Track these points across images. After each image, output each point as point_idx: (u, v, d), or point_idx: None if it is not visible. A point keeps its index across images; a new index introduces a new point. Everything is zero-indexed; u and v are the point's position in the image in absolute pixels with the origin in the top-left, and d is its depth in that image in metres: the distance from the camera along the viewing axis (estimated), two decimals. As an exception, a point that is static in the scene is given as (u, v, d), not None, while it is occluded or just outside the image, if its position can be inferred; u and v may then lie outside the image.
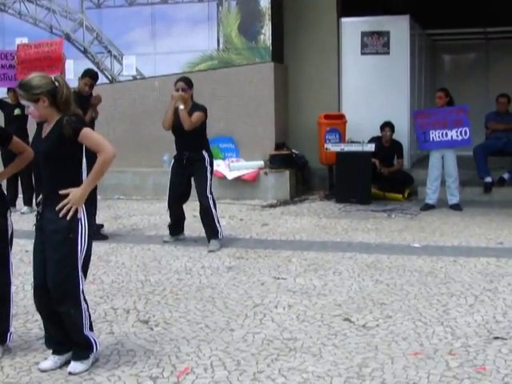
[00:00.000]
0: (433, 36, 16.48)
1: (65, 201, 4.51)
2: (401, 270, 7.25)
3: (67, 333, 4.80)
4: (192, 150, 8.45)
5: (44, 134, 4.64)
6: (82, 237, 4.61)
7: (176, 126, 8.47)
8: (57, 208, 4.51)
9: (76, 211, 4.54)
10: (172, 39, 13.86)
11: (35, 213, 4.75)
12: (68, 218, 4.51)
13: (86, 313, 4.72)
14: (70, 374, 4.65)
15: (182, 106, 8.27)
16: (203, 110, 8.44)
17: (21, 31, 14.44)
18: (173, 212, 8.81)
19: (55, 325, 4.76)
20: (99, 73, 14.45)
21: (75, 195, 4.52)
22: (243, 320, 5.71)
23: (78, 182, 4.62)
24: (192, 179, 8.64)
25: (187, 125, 8.27)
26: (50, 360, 4.79)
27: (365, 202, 11.37)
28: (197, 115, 8.34)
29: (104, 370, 4.72)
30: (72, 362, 4.73)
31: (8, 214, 5.00)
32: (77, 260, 4.60)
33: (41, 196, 4.70)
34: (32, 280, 4.82)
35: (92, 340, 4.76)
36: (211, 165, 8.53)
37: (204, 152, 8.48)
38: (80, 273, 4.65)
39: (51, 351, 4.86)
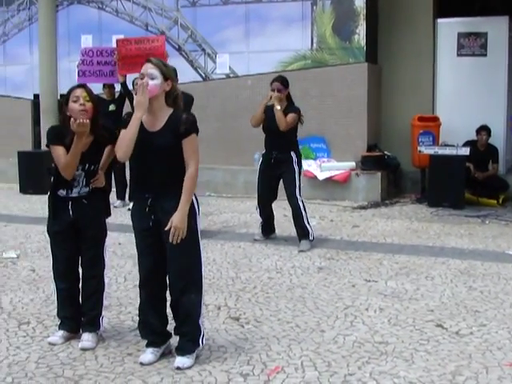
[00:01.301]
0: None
1: (172, 231, 4.55)
2: (495, 277, 7.08)
3: (166, 323, 4.92)
4: (280, 151, 8.45)
5: (151, 128, 4.66)
6: (199, 224, 4.76)
7: (267, 125, 8.48)
8: (170, 240, 4.56)
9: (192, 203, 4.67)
10: (265, 38, 13.89)
11: (146, 208, 4.72)
12: (180, 239, 4.58)
13: (203, 304, 4.83)
14: (178, 369, 4.65)
15: (278, 107, 8.26)
16: (297, 111, 8.42)
17: (117, 29, 14.70)
18: (263, 211, 8.81)
19: (160, 314, 4.85)
20: (193, 71, 14.66)
21: (177, 221, 4.56)
22: (334, 321, 5.67)
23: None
24: (280, 180, 8.63)
25: (283, 126, 8.27)
26: (150, 353, 4.82)
27: (458, 206, 11.17)
28: (291, 117, 8.32)
29: (195, 365, 4.73)
30: (179, 357, 4.73)
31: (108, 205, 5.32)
32: (199, 246, 4.74)
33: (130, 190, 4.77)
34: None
35: (202, 332, 4.79)
36: (299, 165, 8.50)
37: (292, 153, 8.46)
38: (202, 259, 4.77)
39: (145, 344, 4.90)
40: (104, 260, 5.28)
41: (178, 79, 9.91)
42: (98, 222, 5.18)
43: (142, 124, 4.65)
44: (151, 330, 4.86)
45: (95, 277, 5.21)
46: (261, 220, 8.90)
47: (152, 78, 4.63)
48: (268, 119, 8.44)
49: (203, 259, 4.80)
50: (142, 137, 4.63)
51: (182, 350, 4.76)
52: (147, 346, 4.88)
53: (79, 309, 5.29)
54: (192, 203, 4.67)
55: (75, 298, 5.29)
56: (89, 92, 5.03)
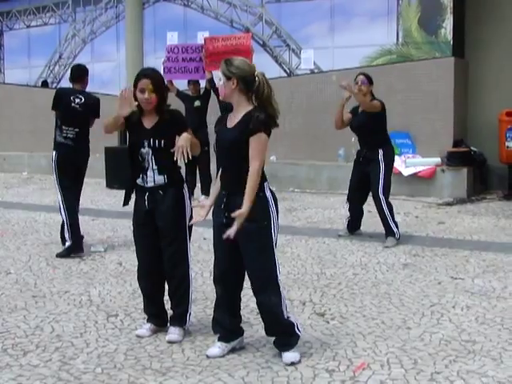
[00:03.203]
0: None
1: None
2: None
3: (238, 321, 4.94)
4: (369, 148, 8.41)
5: (230, 124, 4.69)
6: (274, 223, 4.67)
7: (353, 124, 8.51)
8: (224, 236, 4.58)
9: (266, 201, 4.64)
10: (350, 33, 13.84)
11: (222, 204, 4.74)
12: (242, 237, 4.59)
13: (285, 300, 4.78)
14: (291, 364, 4.64)
15: (356, 90, 8.24)
16: (380, 101, 8.38)
17: (202, 25, 14.84)
18: (352, 208, 8.76)
19: (231, 312, 4.87)
20: (278, 66, 14.69)
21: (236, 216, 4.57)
22: (420, 318, 5.61)
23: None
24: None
25: (365, 105, 8.30)
26: (218, 347, 4.85)
27: (547, 203, 10.92)
28: (374, 102, 8.33)
29: (280, 360, 4.73)
30: (285, 354, 4.72)
31: (186, 198, 5.19)
32: (273, 246, 4.68)
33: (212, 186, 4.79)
34: (210, 267, 4.91)
35: (294, 324, 4.77)
36: (386, 163, 8.37)
37: (380, 150, 8.36)
38: (277, 258, 4.72)
39: (217, 337, 4.92)
40: (188, 259, 5.21)
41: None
42: (174, 216, 5.11)
43: (226, 121, 4.74)
44: (221, 325, 4.88)
45: (175, 277, 5.19)
46: (348, 216, 8.85)
47: (220, 80, 4.71)
48: (356, 119, 8.44)
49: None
50: (222, 133, 4.71)
51: (283, 346, 4.76)
52: (218, 339, 4.91)
53: (164, 306, 5.36)
54: (267, 203, 4.64)
55: (156, 298, 5.32)
56: (154, 82, 5.10)
